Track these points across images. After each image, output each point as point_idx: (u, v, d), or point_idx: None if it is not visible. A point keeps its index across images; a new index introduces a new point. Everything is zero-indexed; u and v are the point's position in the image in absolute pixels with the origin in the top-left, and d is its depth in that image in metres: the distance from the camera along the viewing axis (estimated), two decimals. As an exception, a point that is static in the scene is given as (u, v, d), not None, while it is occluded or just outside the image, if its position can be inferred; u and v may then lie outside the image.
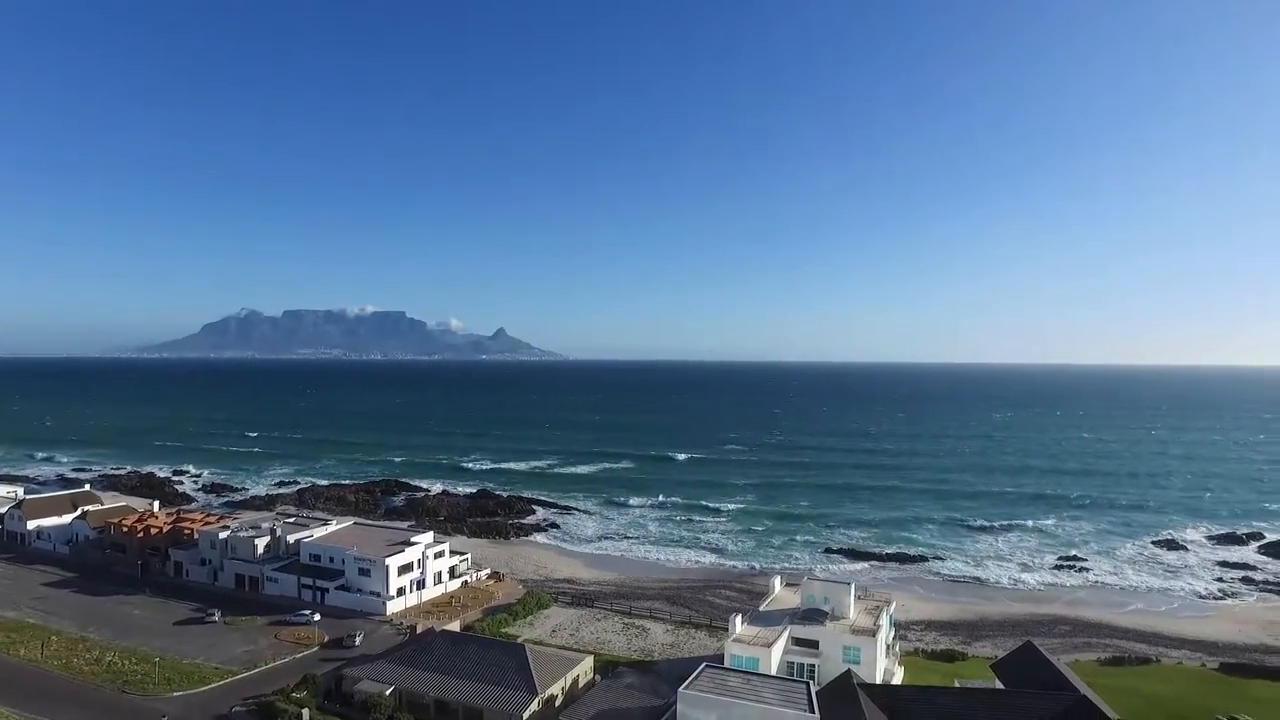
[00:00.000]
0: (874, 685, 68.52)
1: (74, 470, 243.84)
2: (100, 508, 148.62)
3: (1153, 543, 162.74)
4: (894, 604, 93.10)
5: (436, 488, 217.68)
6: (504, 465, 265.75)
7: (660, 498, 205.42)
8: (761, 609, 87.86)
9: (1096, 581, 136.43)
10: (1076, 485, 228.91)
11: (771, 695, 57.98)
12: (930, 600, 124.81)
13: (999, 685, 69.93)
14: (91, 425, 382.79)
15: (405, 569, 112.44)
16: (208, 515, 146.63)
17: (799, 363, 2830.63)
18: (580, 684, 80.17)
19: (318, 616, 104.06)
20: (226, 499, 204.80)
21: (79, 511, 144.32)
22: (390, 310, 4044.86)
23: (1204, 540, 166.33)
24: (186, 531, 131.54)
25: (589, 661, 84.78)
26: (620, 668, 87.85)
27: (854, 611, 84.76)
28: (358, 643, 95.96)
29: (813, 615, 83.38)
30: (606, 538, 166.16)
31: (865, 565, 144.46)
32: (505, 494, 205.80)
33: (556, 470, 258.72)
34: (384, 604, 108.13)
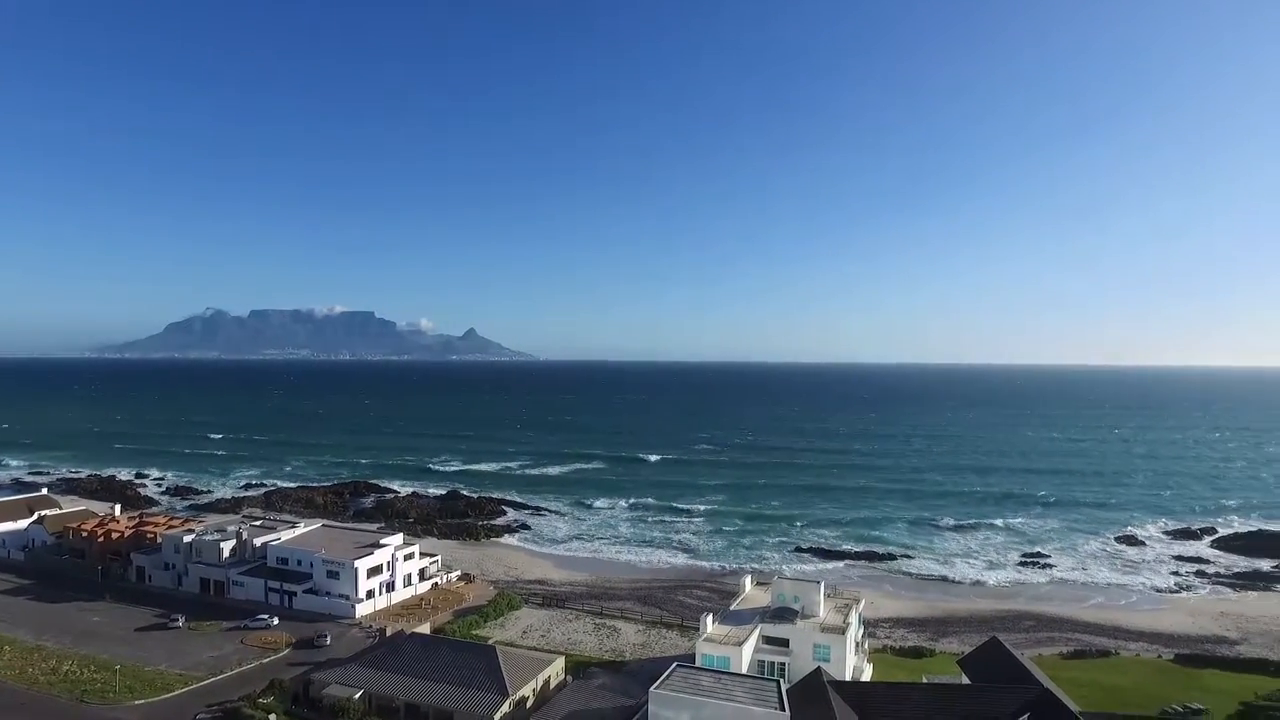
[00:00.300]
0: (844, 682, 69.29)
1: (30, 474, 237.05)
2: (58, 512, 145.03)
3: (1115, 539, 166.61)
4: (863, 602, 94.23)
5: (406, 489, 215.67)
6: (474, 466, 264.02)
7: (631, 498, 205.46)
8: (732, 608, 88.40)
9: (1060, 578, 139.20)
10: (1043, 483, 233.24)
11: (742, 694, 58.35)
12: (899, 598, 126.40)
13: (965, 680, 71.13)
14: (48, 427, 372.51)
15: (374, 571, 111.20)
16: (171, 519, 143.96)
17: (772, 363, 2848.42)
18: (552, 685, 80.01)
19: (276, 620, 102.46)
20: (191, 502, 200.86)
21: (35, 516, 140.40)
22: (359, 310, 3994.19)
23: (1161, 536, 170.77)
24: (149, 535, 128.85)
25: (560, 662, 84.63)
26: (592, 668, 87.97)
27: (824, 610, 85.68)
28: (328, 641, 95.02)
29: (783, 614, 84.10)
30: (577, 538, 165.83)
31: (835, 564, 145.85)
32: (476, 495, 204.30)
33: (527, 471, 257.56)
34: (353, 607, 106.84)
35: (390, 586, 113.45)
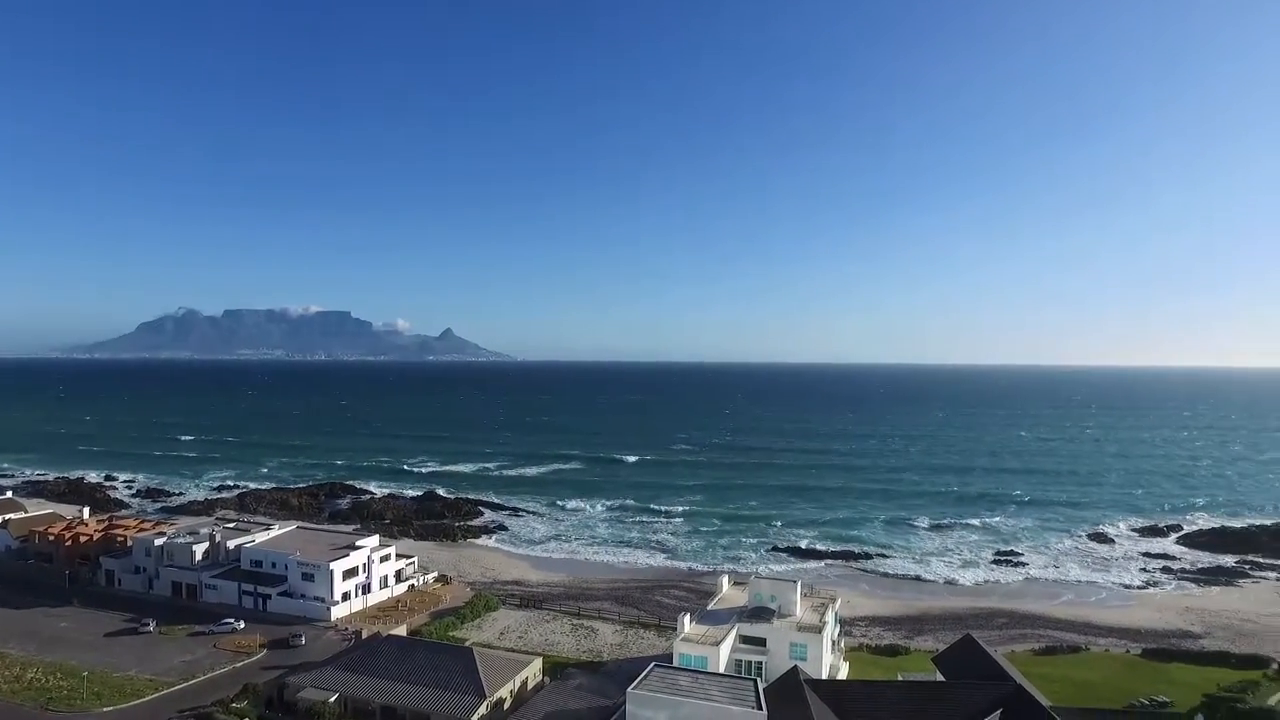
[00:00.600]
0: (820, 681, 69.82)
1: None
2: (24, 515, 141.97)
3: (1086, 536, 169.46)
4: (839, 601, 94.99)
5: (382, 490, 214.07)
6: (451, 467, 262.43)
7: (609, 499, 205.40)
8: (710, 608, 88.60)
9: (1033, 575, 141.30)
10: (1018, 483, 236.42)
11: (720, 693, 58.56)
12: (875, 597, 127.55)
13: (940, 678, 71.93)
14: (13, 429, 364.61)
15: (350, 573, 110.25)
16: (142, 522, 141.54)
17: (754, 364, 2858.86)
18: (529, 686, 79.84)
19: (241, 624, 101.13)
20: (162, 504, 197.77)
21: (0, 520, 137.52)
22: (335, 310, 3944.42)
23: (1131, 533, 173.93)
24: (120, 539, 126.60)
25: (538, 663, 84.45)
26: (569, 669, 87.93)
27: (800, 609, 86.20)
28: (304, 644, 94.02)
29: (760, 613, 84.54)
30: (555, 539, 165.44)
31: (812, 564, 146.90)
32: (452, 496, 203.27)
33: (505, 472, 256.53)
34: (329, 609, 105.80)
35: (366, 589, 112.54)
